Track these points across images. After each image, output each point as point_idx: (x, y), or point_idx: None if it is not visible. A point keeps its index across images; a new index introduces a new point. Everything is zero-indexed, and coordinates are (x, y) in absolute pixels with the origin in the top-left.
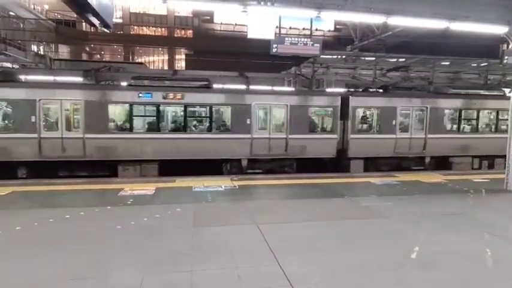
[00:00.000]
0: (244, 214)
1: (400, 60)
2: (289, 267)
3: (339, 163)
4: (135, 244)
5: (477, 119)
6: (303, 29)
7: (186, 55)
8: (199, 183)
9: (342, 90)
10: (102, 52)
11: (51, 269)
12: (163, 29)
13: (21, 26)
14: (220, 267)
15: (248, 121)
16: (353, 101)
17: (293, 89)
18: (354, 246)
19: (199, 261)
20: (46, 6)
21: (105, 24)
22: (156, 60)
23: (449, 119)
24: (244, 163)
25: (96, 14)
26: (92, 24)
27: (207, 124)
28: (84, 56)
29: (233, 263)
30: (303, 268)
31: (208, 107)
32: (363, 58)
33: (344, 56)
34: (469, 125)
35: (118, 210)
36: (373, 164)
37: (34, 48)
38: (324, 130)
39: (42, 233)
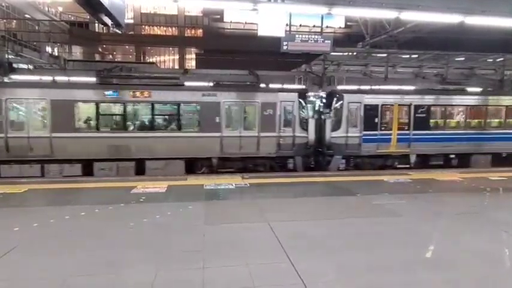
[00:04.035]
0: (256, 212)
1: (413, 56)
2: (300, 265)
3: None
4: (148, 241)
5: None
6: (313, 26)
7: (196, 54)
8: (210, 182)
9: None
10: (114, 52)
11: (66, 265)
12: (173, 29)
13: (36, 27)
14: (232, 265)
15: None
16: None
17: None
18: (365, 244)
19: (211, 258)
20: (60, 8)
21: (117, 24)
22: (167, 59)
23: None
24: None
25: (108, 14)
26: (105, 24)
27: None
28: (97, 57)
29: (244, 260)
30: (314, 266)
31: None
32: (374, 55)
33: (355, 53)
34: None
35: (131, 208)
36: None
37: (48, 49)
38: None
39: (58, 229)
